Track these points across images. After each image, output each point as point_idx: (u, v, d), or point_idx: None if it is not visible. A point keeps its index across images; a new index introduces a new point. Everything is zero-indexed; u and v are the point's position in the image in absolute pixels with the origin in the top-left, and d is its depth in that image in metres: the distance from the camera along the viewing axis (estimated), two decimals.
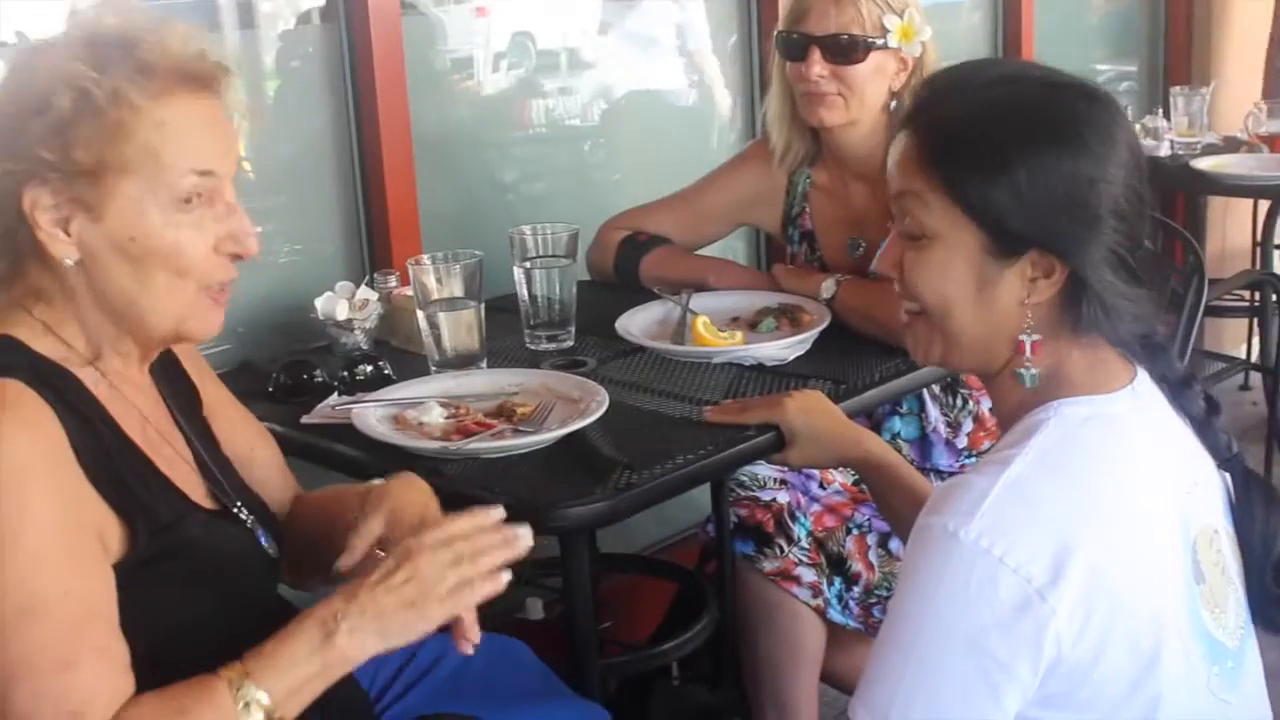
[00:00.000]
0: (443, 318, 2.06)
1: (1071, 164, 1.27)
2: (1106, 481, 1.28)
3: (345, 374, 2.05)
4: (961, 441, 2.44)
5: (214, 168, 1.37)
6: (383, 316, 2.28)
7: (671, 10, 3.34)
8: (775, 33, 2.38)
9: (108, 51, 1.33)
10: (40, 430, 1.27)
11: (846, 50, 2.27)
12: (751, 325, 2.26)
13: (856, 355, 2.12)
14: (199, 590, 1.40)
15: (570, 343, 2.24)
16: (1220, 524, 1.38)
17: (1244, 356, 4.63)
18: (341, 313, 2.23)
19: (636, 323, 2.27)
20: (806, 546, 2.26)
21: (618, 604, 2.67)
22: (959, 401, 2.44)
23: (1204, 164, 3.87)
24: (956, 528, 1.22)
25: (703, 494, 2.31)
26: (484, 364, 2.10)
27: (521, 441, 1.77)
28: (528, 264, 2.22)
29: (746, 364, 2.12)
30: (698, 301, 2.32)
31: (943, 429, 2.44)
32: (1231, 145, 4.12)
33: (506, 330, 2.26)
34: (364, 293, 2.27)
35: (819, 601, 2.24)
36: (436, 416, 1.84)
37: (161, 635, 1.34)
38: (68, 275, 1.35)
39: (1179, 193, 4.41)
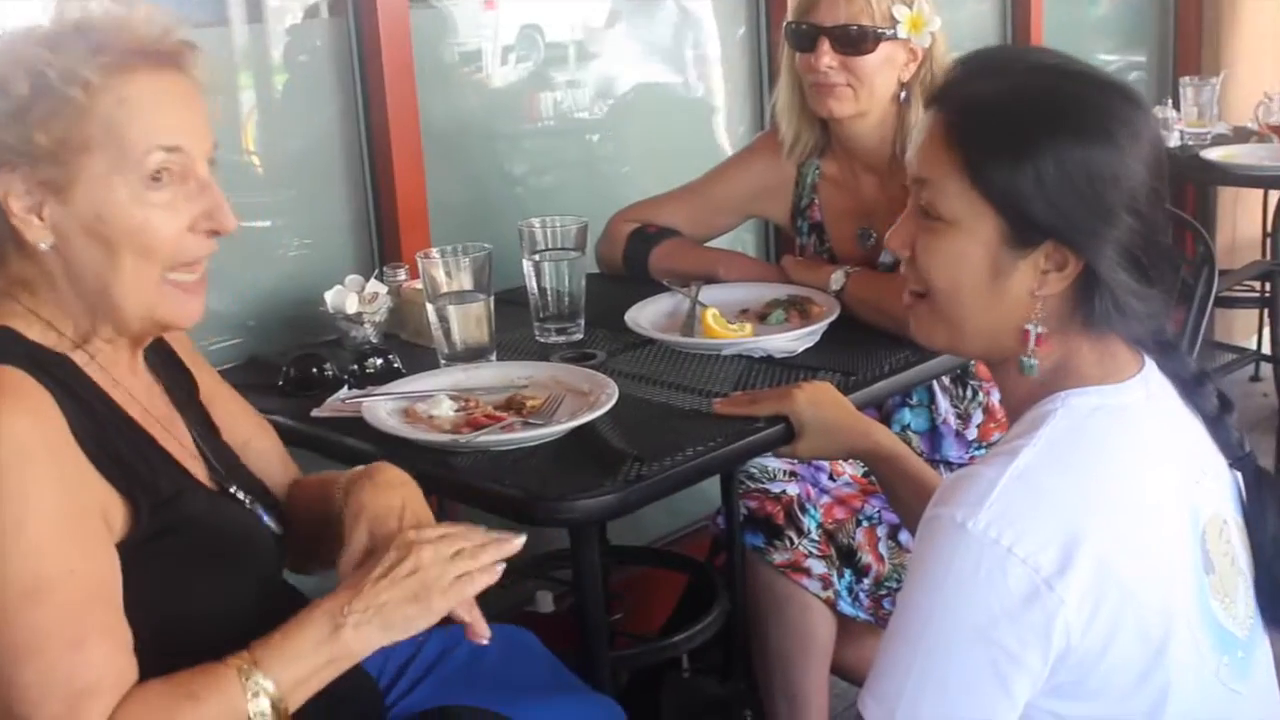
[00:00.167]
0: (452, 311, 2.06)
1: (1098, 158, 1.27)
2: (1114, 471, 1.28)
3: (355, 367, 2.05)
4: (971, 433, 2.44)
5: (181, 143, 1.36)
6: (392, 310, 2.29)
7: (680, 2, 3.34)
8: (784, 24, 2.38)
9: (64, 35, 1.34)
10: (40, 415, 1.28)
11: (856, 41, 2.26)
12: (761, 317, 2.26)
13: (866, 347, 2.12)
14: (203, 568, 1.40)
15: (579, 335, 2.24)
16: (1229, 514, 1.38)
17: (1254, 347, 4.63)
18: (351, 306, 2.23)
19: (646, 315, 2.27)
20: (816, 538, 2.26)
21: (628, 596, 2.67)
22: (969, 393, 2.44)
23: (1214, 154, 3.86)
24: (965, 519, 1.22)
25: (713, 486, 2.31)
26: (493, 357, 2.10)
27: (531, 434, 1.77)
28: (537, 257, 2.22)
29: (756, 356, 2.12)
30: (707, 294, 2.32)
31: (953, 421, 2.43)
32: (1242, 135, 4.10)
33: (516, 323, 2.26)
34: (373, 286, 2.27)
35: (829, 593, 2.24)
36: (446, 409, 1.85)
37: (167, 615, 1.34)
38: (45, 261, 1.36)
39: (1189, 183, 4.40)
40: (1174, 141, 3.93)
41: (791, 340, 2.14)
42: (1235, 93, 4.44)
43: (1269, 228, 4.52)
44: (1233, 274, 4.25)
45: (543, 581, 2.78)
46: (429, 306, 2.08)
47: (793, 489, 2.31)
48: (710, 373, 2.06)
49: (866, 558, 2.26)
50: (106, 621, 1.26)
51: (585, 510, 1.66)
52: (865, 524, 2.29)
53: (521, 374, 1.98)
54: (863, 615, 2.27)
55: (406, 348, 2.22)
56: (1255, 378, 4.70)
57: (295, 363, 2.08)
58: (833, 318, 2.20)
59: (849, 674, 2.39)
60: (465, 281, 2.06)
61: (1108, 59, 4.71)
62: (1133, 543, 1.25)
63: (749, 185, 2.58)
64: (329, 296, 2.25)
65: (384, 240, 2.64)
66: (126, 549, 1.32)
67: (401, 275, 2.35)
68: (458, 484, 1.75)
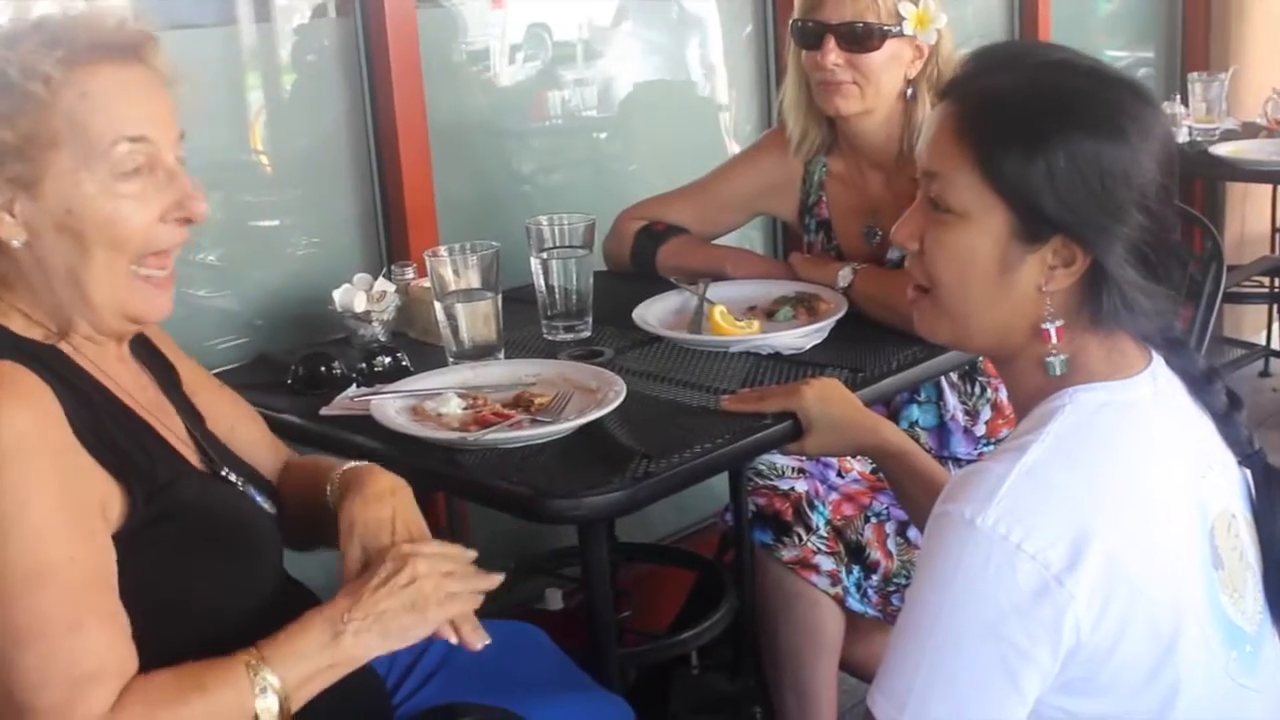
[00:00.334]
0: (460, 309, 2.06)
1: (1109, 154, 1.27)
2: (1123, 467, 1.28)
3: (363, 366, 2.06)
4: (980, 429, 2.44)
5: (147, 133, 1.37)
6: (400, 308, 2.29)
7: (687, 1, 3.34)
8: (790, 21, 2.38)
9: (22, 32, 1.35)
10: (38, 406, 1.28)
11: (861, 38, 2.26)
12: (768, 314, 2.26)
13: (873, 343, 2.12)
14: (200, 552, 1.40)
15: (587, 333, 2.24)
16: (1238, 509, 1.37)
17: (1264, 343, 4.63)
18: (359, 305, 2.24)
19: (654, 312, 2.28)
20: (825, 535, 2.26)
21: (637, 593, 2.67)
22: (977, 389, 2.44)
23: (1223, 150, 3.86)
24: (974, 515, 1.22)
25: (721, 483, 2.31)
26: (501, 355, 2.10)
27: (539, 432, 1.78)
28: (544, 255, 2.22)
29: (764, 353, 2.12)
30: (715, 291, 2.32)
31: (961, 417, 2.43)
32: (1250, 131, 4.10)
33: (524, 321, 2.26)
34: (381, 285, 2.27)
35: (838, 590, 2.24)
36: (454, 407, 1.85)
37: (166, 600, 1.35)
38: (18, 258, 1.36)
39: (1197, 179, 4.40)
40: (1182, 137, 3.93)
41: (799, 337, 2.14)
42: (1244, 88, 4.43)
43: (1277, 223, 4.52)
44: (1241, 269, 4.25)
45: (551, 579, 2.78)
46: (437, 304, 2.08)
47: (801, 486, 2.31)
48: (718, 370, 2.06)
49: (875, 554, 2.26)
50: (107, 607, 1.27)
51: (593, 507, 1.66)
52: (874, 520, 2.29)
53: (529, 371, 1.98)
54: (871, 612, 2.27)
55: (414, 346, 2.22)
56: (1265, 373, 4.70)
57: (304, 361, 2.09)
58: (840, 314, 2.19)
59: (858, 670, 2.39)
60: (473, 279, 2.07)
61: (1116, 55, 4.70)
62: (1142, 538, 1.25)
63: (756, 183, 2.58)
64: (337, 295, 2.25)
65: (392, 238, 2.64)
66: (125, 536, 1.32)
67: (409, 273, 2.36)
68: (466, 482, 1.76)
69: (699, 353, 2.14)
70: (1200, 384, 1.41)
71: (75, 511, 1.28)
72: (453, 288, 2.07)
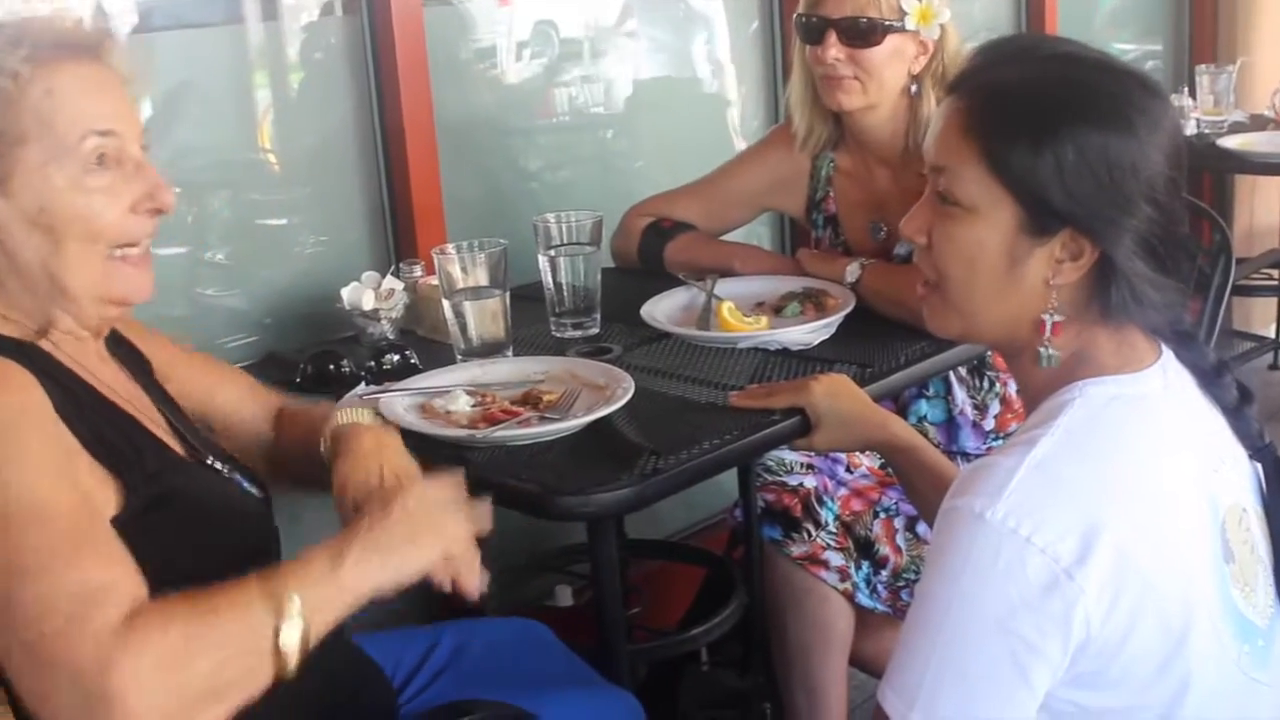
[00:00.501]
0: (468, 306, 2.07)
1: (1117, 146, 1.27)
2: (1132, 461, 1.28)
3: (372, 364, 2.06)
4: (988, 424, 2.44)
5: (113, 127, 1.38)
6: (408, 306, 2.29)
7: None
8: (794, 16, 2.38)
9: None
10: (30, 396, 1.29)
11: (864, 33, 2.26)
12: (776, 310, 2.26)
13: (881, 339, 2.12)
14: (191, 540, 1.40)
15: (595, 330, 2.24)
16: (1249, 504, 1.37)
17: (1273, 336, 4.62)
18: (367, 303, 2.24)
19: (662, 309, 2.28)
20: (834, 531, 2.26)
21: (646, 590, 2.67)
22: (985, 384, 2.43)
23: (1231, 142, 3.85)
24: (983, 509, 1.22)
25: (730, 479, 2.31)
26: (510, 352, 2.10)
27: (548, 429, 1.78)
28: (552, 252, 2.22)
29: (772, 349, 2.12)
30: (723, 287, 2.32)
31: (969, 411, 2.43)
32: (1258, 123, 4.09)
33: (532, 318, 2.26)
34: (389, 282, 2.27)
35: (847, 585, 2.24)
36: (463, 405, 1.85)
37: (161, 591, 1.35)
38: None
39: (1205, 172, 4.39)
40: (1190, 130, 3.92)
41: (807, 333, 2.13)
42: (1251, 80, 4.42)
43: None
44: (1250, 262, 4.24)
45: (561, 576, 2.79)
46: (445, 302, 2.09)
47: (810, 481, 2.31)
48: (726, 366, 2.06)
49: (884, 549, 2.26)
50: (109, 547, 1.25)
51: (602, 504, 1.66)
52: (883, 516, 2.29)
53: (538, 369, 1.98)
54: (881, 607, 2.27)
55: (423, 344, 2.23)
56: (1274, 366, 4.69)
57: (312, 360, 2.09)
58: (848, 310, 2.19)
59: (867, 666, 2.39)
60: (481, 277, 2.07)
61: (1123, 47, 4.70)
62: (1152, 532, 1.25)
63: (764, 179, 2.58)
64: (345, 293, 2.26)
65: (400, 237, 2.65)
66: (117, 526, 1.31)
67: (417, 271, 2.36)
68: (475, 479, 1.75)
69: (707, 349, 2.14)
70: (1210, 378, 1.41)
71: (71, 478, 1.28)
72: (461, 285, 2.07)
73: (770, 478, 2.32)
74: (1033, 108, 1.29)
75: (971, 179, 1.31)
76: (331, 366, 2.07)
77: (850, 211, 2.49)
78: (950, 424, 2.45)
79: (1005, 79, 1.33)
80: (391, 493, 1.44)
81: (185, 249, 2.44)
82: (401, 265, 2.40)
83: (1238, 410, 1.41)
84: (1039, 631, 1.20)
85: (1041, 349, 1.33)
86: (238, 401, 1.70)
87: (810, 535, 2.25)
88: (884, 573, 2.26)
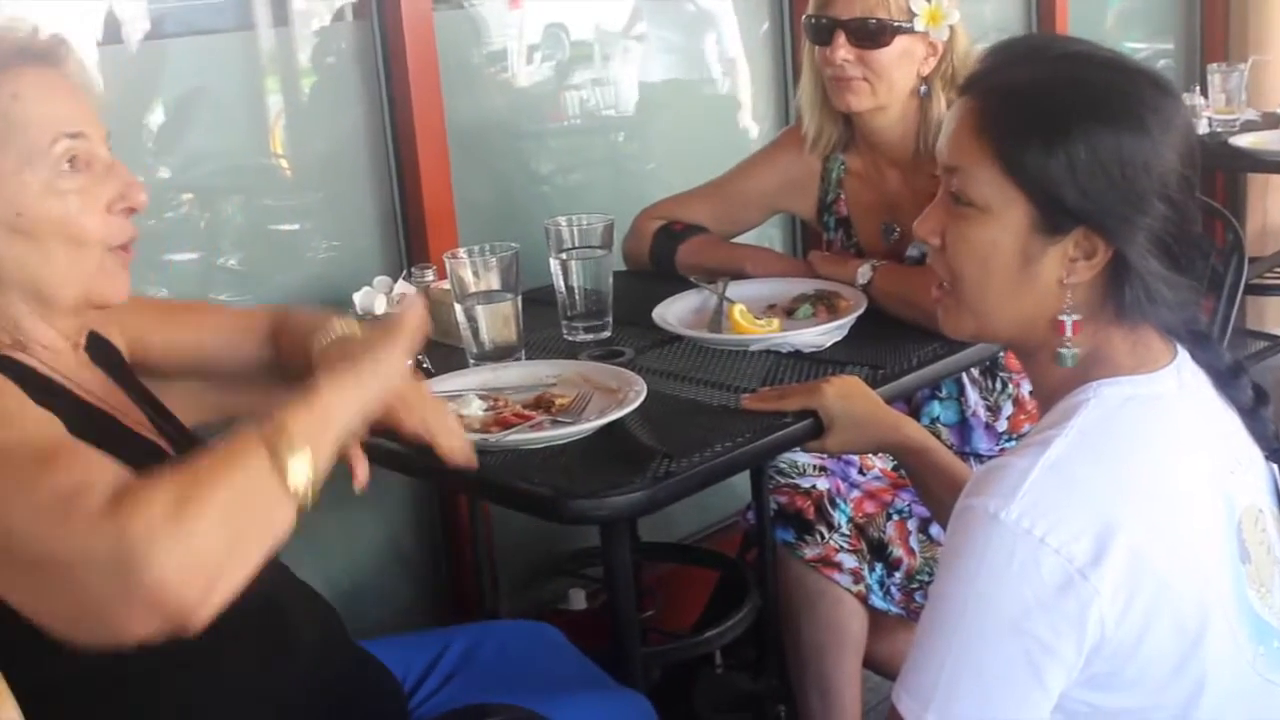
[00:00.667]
0: (480, 310, 2.07)
1: (1129, 144, 1.27)
2: (1147, 461, 1.28)
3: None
4: (1001, 425, 2.43)
5: (83, 129, 1.38)
6: None
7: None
8: (804, 17, 2.38)
9: None
10: (14, 397, 1.30)
11: (873, 34, 2.26)
12: (788, 312, 2.26)
13: (894, 340, 2.12)
14: None
15: (607, 333, 2.24)
16: (1266, 504, 1.37)
17: None
18: (379, 307, 2.24)
19: (673, 312, 2.27)
20: (847, 533, 2.26)
21: (660, 593, 2.68)
22: (998, 385, 2.43)
23: (1243, 141, 3.84)
24: (997, 509, 1.21)
25: (743, 482, 2.31)
26: (522, 356, 2.10)
27: (560, 432, 1.78)
28: (564, 255, 2.22)
29: (784, 351, 2.12)
30: (734, 289, 2.32)
31: (982, 413, 2.43)
32: (1270, 121, 4.08)
33: (544, 322, 2.26)
34: (401, 287, 2.28)
35: (860, 587, 2.24)
36: (475, 408, 1.85)
37: None
38: None
39: (1218, 170, 4.38)
40: (1202, 129, 3.91)
41: (819, 335, 2.13)
42: (1263, 79, 4.41)
43: None
44: (1263, 261, 4.22)
45: (574, 579, 2.79)
46: (457, 306, 2.09)
47: (822, 484, 2.31)
48: (738, 368, 2.06)
49: (897, 551, 2.26)
50: (76, 455, 1.22)
51: (615, 507, 1.66)
52: (896, 517, 2.29)
53: (550, 372, 1.99)
54: (894, 609, 2.27)
55: (435, 348, 2.23)
56: None
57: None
58: (860, 312, 2.19)
59: (881, 668, 2.39)
60: (493, 281, 2.07)
61: (1135, 46, 4.69)
62: (1167, 532, 1.24)
63: (775, 180, 2.58)
64: (357, 298, 2.26)
65: (411, 241, 2.65)
66: None
67: (429, 276, 2.36)
68: (487, 483, 1.76)
69: (719, 352, 2.14)
70: (1226, 378, 1.41)
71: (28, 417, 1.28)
72: (473, 289, 2.07)
73: (783, 480, 2.32)
74: (1045, 107, 1.29)
75: (985, 179, 1.31)
76: None
77: (862, 213, 2.49)
78: (963, 425, 2.44)
79: (1017, 79, 1.33)
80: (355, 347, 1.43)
81: (198, 254, 2.45)
82: (413, 269, 2.40)
83: (1253, 411, 1.41)
84: (1054, 632, 1.20)
85: (1064, 349, 1.33)
86: (228, 338, 1.69)
87: (823, 537, 2.25)
88: (897, 575, 2.26)
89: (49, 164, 1.35)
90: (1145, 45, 4.79)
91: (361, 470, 1.41)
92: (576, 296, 2.22)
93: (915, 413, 2.42)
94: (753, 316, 2.18)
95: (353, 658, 1.65)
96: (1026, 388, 2.40)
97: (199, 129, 2.43)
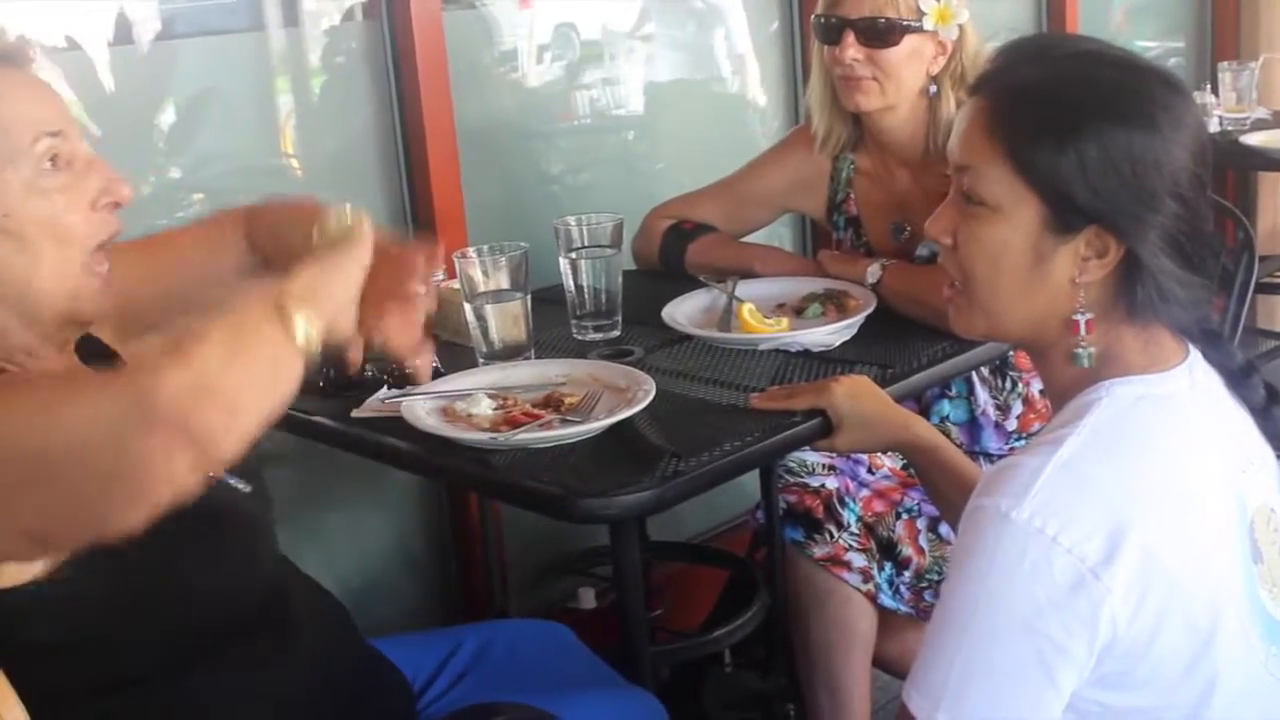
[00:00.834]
0: (490, 310, 2.07)
1: (1141, 143, 1.27)
2: (1159, 460, 1.28)
3: (394, 368, 2.06)
4: (1011, 424, 2.43)
5: (61, 127, 1.37)
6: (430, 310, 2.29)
7: None
8: (813, 16, 2.38)
9: None
10: None
11: (882, 34, 2.26)
12: (798, 311, 2.26)
13: (903, 339, 2.12)
14: (187, 544, 1.37)
15: (617, 332, 2.24)
16: (1278, 503, 1.37)
17: None
18: None
19: (683, 311, 2.28)
20: (856, 532, 2.26)
21: (669, 591, 2.68)
22: (1008, 384, 2.43)
23: (1254, 139, 3.83)
24: (1009, 509, 1.21)
25: (752, 481, 2.31)
26: (531, 355, 2.11)
27: (569, 431, 1.78)
28: (573, 255, 2.22)
29: (793, 350, 2.12)
30: (744, 288, 2.32)
31: (992, 412, 2.43)
32: None
33: (553, 321, 2.27)
34: None
35: (869, 586, 2.24)
36: (485, 408, 1.85)
37: (163, 599, 1.35)
38: None
39: (1229, 169, 4.36)
40: (1213, 127, 3.89)
41: (828, 334, 2.13)
42: (1274, 77, 4.40)
43: None
44: (1274, 260, 4.21)
45: (584, 578, 2.79)
46: (467, 306, 2.09)
47: (832, 483, 2.31)
48: (747, 367, 2.06)
49: (907, 550, 2.26)
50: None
51: (624, 506, 1.66)
52: (905, 516, 2.29)
53: (559, 371, 1.99)
54: (903, 608, 2.27)
55: (445, 347, 2.22)
56: None
57: (335, 364, 2.09)
58: (869, 311, 2.19)
59: (890, 667, 2.39)
60: (502, 280, 2.07)
61: (1145, 45, 4.68)
62: (1179, 532, 1.24)
63: (784, 180, 2.58)
64: None
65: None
66: (111, 545, 1.31)
67: (439, 275, 2.36)
68: (497, 482, 1.76)
69: (728, 351, 2.14)
70: (1238, 378, 1.40)
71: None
72: (482, 289, 2.07)
73: (792, 479, 2.32)
74: (1056, 106, 1.29)
75: (996, 178, 1.31)
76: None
77: (871, 213, 2.49)
78: (973, 424, 2.44)
79: (1028, 78, 1.33)
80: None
81: None
82: None
83: (1265, 411, 1.41)
84: (1065, 631, 1.20)
85: (1079, 349, 1.33)
86: (205, 256, 1.65)
87: (832, 536, 2.25)
88: (907, 574, 2.26)
89: (31, 163, 1.33)
90: (1156, 44, 4.78)
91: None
92: (586, 296, 2.23)
93: (925, 411, 2.42)
94: (762, 316, 2.18)
95: (360, 655, 1.65)
96: (1036, 387, 2.40)
97: (209, 129, 2.44)
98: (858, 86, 2.30)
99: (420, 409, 1.88)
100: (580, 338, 2.24)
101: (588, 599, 2.83)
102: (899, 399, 1.91)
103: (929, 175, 2.31)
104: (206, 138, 2.43)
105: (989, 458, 2.40)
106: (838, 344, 2.12)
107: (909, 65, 2.28)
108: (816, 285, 2.33)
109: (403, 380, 2.04)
